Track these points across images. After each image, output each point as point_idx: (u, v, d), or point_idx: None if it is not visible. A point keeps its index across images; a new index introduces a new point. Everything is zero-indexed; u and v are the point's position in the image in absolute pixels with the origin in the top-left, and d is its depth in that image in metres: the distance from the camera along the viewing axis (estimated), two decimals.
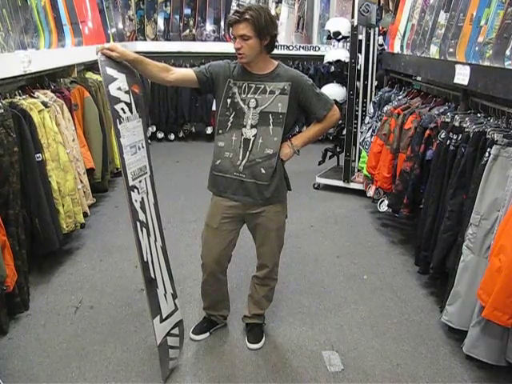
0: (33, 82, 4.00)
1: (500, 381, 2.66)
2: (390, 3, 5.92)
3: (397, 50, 4.80)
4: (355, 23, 5.29)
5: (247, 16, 2.40)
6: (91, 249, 4.13)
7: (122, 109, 2.41)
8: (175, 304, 2.79)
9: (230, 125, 2.61)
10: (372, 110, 5.08)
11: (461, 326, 2.83)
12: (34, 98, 3.67)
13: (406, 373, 2.73)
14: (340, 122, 5.69)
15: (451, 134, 3.16)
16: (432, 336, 3.06)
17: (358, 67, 5.40)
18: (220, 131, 2.65)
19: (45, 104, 3.61)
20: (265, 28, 2.44)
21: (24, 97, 3.58)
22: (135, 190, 2.47)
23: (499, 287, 2.36)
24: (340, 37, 5.61)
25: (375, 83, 5.52)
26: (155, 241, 2.61)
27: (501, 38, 2.83)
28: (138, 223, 2.47)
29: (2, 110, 3.07)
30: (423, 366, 2.80)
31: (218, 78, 2.63)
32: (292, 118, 2.61)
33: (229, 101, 2.60)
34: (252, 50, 2.48)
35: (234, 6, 7.88)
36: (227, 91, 2.60)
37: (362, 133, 5.25)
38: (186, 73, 2.68)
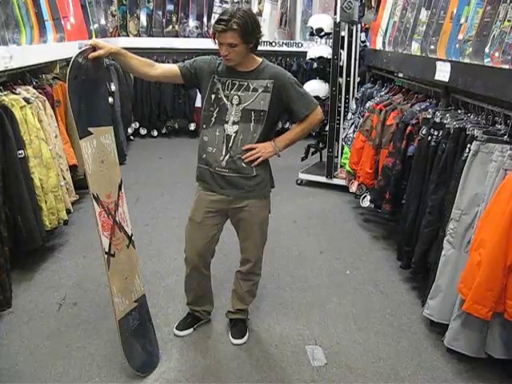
0: (14, 78, 3.95)
1: (480, 372, 2.71)
2: (372, 0, 5.95)
3: (379, 46, 4.84)
4: (338, 20, 5.31)
5: (234, 26, 2.37)
6: (74, 246, 4.11)
7: None
8: None
9: (213, 120, 2.61)
10: (354, 106, 5.12)
11: (442, 320, 2.87)
12: (16, 94, 3.63)
13: (389, 366, 2.77)
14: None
15: (432, 129, 3.19)
16: (414, 330, 3.10)
17: (341, 64, 5.42)
18: (204, 126, 2.65)
19: (27, 100, 3.57)
20: (251, 34, 2.44)
21: (5, 93, 3.54)
22: None
23: (479, 281, 2.41)
24: (322, 33, 5.62)
25: (357, 79, 5.55)
26: None
27: (480, 36, 2.87)
28: None
29: None
30: (405, 359, 2.83)
31: (202, 73, 2.63)
32: (274, 115, 2.61)
33: (213, 96, 2.60)
34: (239, 56, 2.49)
35: (217, 3, 7.87)
36: (211, 87, 2.60)
37: (344, 129, 5.29)
38: (170, 68, 2.68)
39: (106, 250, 2.46)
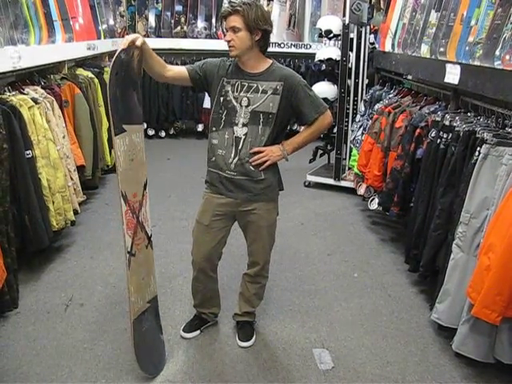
0: (22, 78, 3.97)
1: (488, 378, 2.68)
2: (382, 2, 5.94)
3: (388, 48, 4.81)
4: (346, 21, 5.29)
5: (238, 8, 2.41)
6: (81, 246, 4.11)
7: None
8: None
9: (222, 123, 2.60)
10: (363, 109, 5.10)
11: (450, 324, 2.84)
12: (24, 94, 3.64)
13: (396, 370, 2.75)
14: None
15: (441, 132, 3.18)
16: (422, 334, 3.08)
17: (349, 65, 5.41)
18: (214, 128, 2.64)
19: (35, 100, 3.58)
20: (254, 21, 2.43)
21: (14, 93, 3.55)
22: None
23: (488, 285, 2.39)
24: (331, 35, 5.62)
25: (366, 81, 5.54)
26: None
27: (491, 38, 2.84)
28: None
29: None
30: (413, 363, 2.81)
31: (212, 76, 2.62)
32: (283, 118, 2.60)
33: (222, 99, 2.60)
34: (241, 43, 2.47)
35: (225, 3, 7.85)
36: (221, 89, 2.60)
37: (352, 131, 5.27)
38: (180, 71, 2.67)
39: (129, 250, 2.45)
